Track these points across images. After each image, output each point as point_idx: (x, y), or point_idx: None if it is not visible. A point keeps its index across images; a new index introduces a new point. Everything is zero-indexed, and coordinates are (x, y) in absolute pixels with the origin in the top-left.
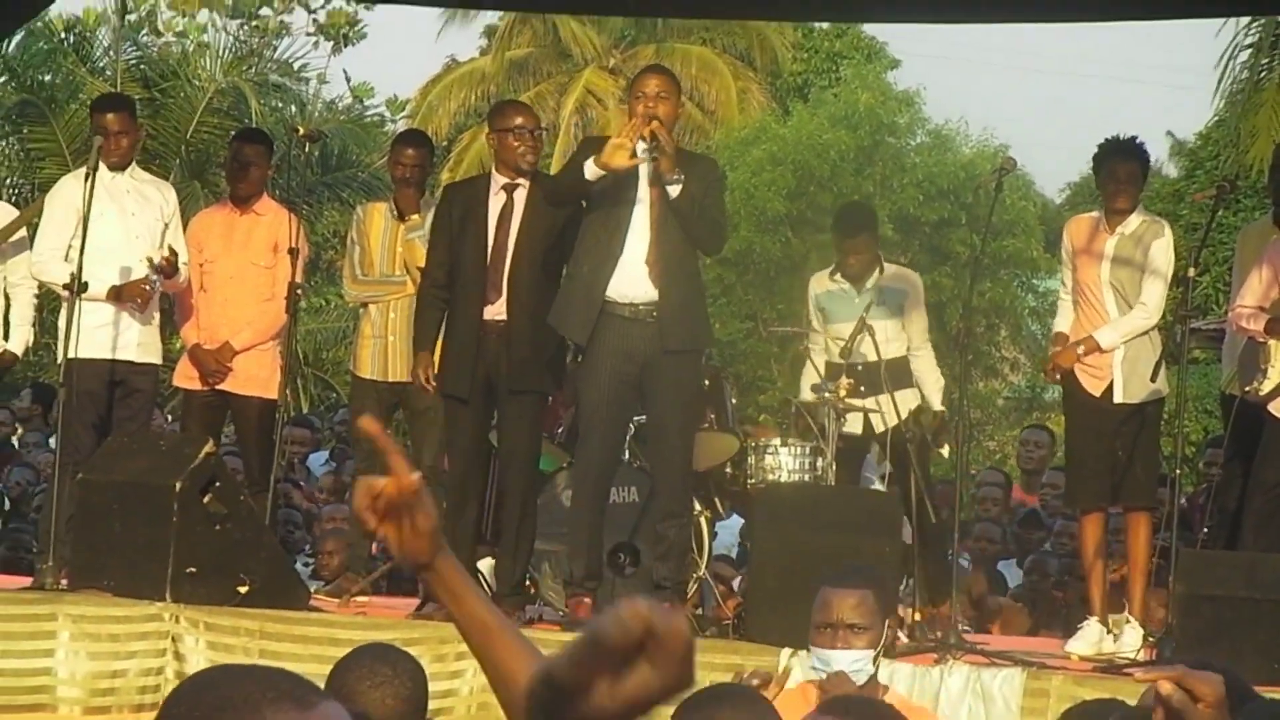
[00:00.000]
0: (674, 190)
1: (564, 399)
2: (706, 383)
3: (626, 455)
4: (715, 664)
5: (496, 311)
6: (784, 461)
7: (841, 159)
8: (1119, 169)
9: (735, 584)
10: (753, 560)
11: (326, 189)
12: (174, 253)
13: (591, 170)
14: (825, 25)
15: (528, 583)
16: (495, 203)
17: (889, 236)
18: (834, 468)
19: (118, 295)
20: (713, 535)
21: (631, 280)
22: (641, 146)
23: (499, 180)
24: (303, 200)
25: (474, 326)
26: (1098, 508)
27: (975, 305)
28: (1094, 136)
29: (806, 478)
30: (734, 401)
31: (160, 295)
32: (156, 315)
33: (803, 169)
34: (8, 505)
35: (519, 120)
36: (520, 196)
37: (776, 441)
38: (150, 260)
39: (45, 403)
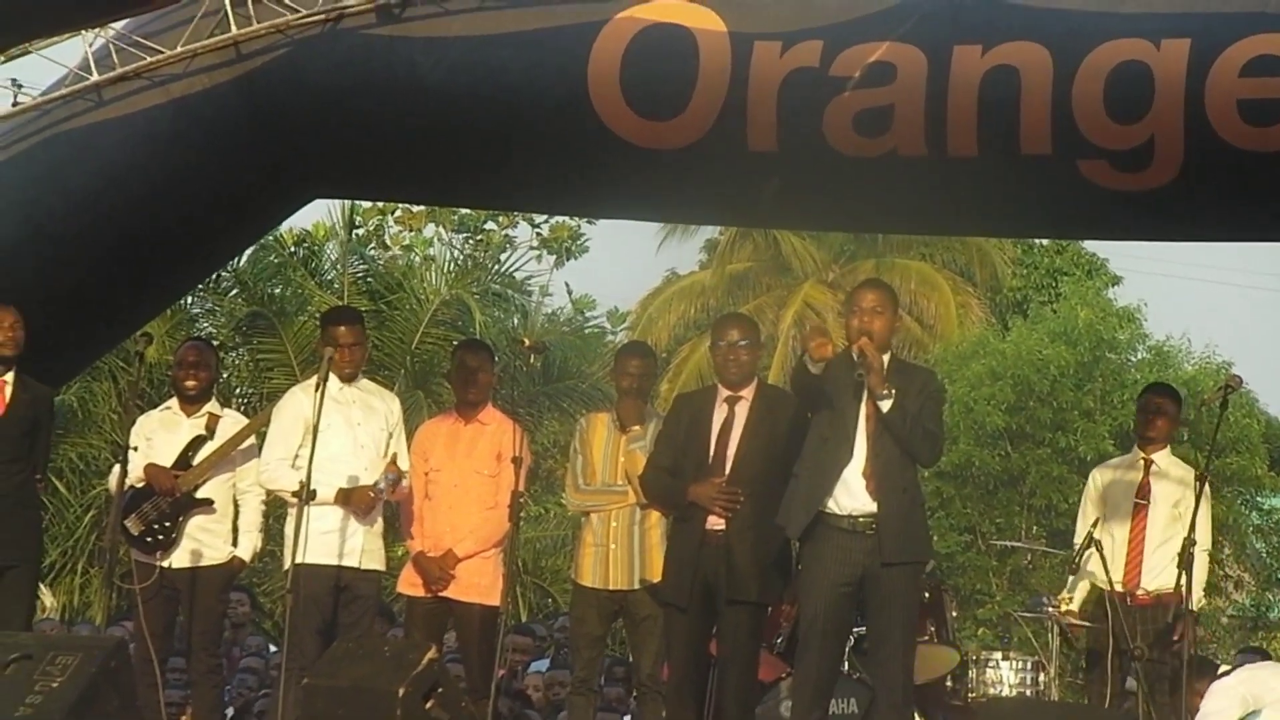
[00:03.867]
0: (885, 405)
1: (783, 609)
2: (926, 595)
3: (846, 667)
4: None
5: (716, 521)
6: (1005, 675)
7: (1061, 374)
8: None
9: None
10: None
11: (547, 399)
12: (398, 470)
13: (813, 364)
14: (1045, 242)
15: None
16: (718, 415)
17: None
18: (1057, 682)
19: (345, 500)
20: None
21: (849, 492)
22: (855, 361)
23: (723, 393)
24: (525, 410)
25: (695, 535)
26: None
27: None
28: None
29: (1028, 692)
30: (954, 614)
31: (385, 503)
32: (380, 522)
33: (1022, 384)
34: (231, 712)
35: (733, 335)
36: (741, 410)
37: (998, 655)
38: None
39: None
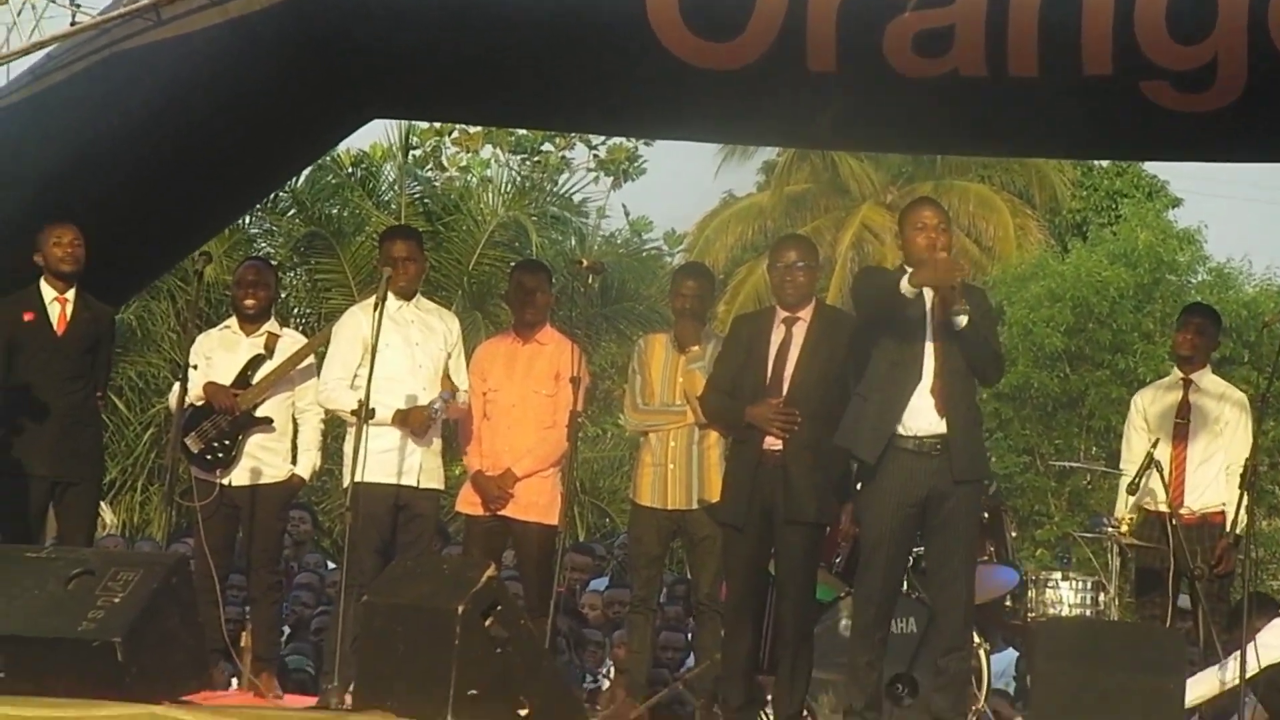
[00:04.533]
0: (961, 321)
1: (841, 529)
2: (986, 516)
3: (904, 586)
4: None
5: (774, 442)
6: (1065, 595)
7: (1121, 296)
8: None
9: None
10: (1034, 695)
11: (605, 320)
12: (455, 388)
13: (908, 289)
14: (1105, 164)
15: (805, 712)
16: (776, 336)
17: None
18: (1117, 602)
19: (403, 421)
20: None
21: (916, 412)
22: (904, 286)
23: (780, 314)
24: (582, 331)
25: (752, 456)
26: None
27: (1259, 444)
28: None
29: (1088, 612)
30: (1013, 535)
31: (443, 422)
32: (438, 441)
33: (1081, 306)
34: (286, 630)
35: (790, 256)
36: (799, 331)
37: (1057, 575)
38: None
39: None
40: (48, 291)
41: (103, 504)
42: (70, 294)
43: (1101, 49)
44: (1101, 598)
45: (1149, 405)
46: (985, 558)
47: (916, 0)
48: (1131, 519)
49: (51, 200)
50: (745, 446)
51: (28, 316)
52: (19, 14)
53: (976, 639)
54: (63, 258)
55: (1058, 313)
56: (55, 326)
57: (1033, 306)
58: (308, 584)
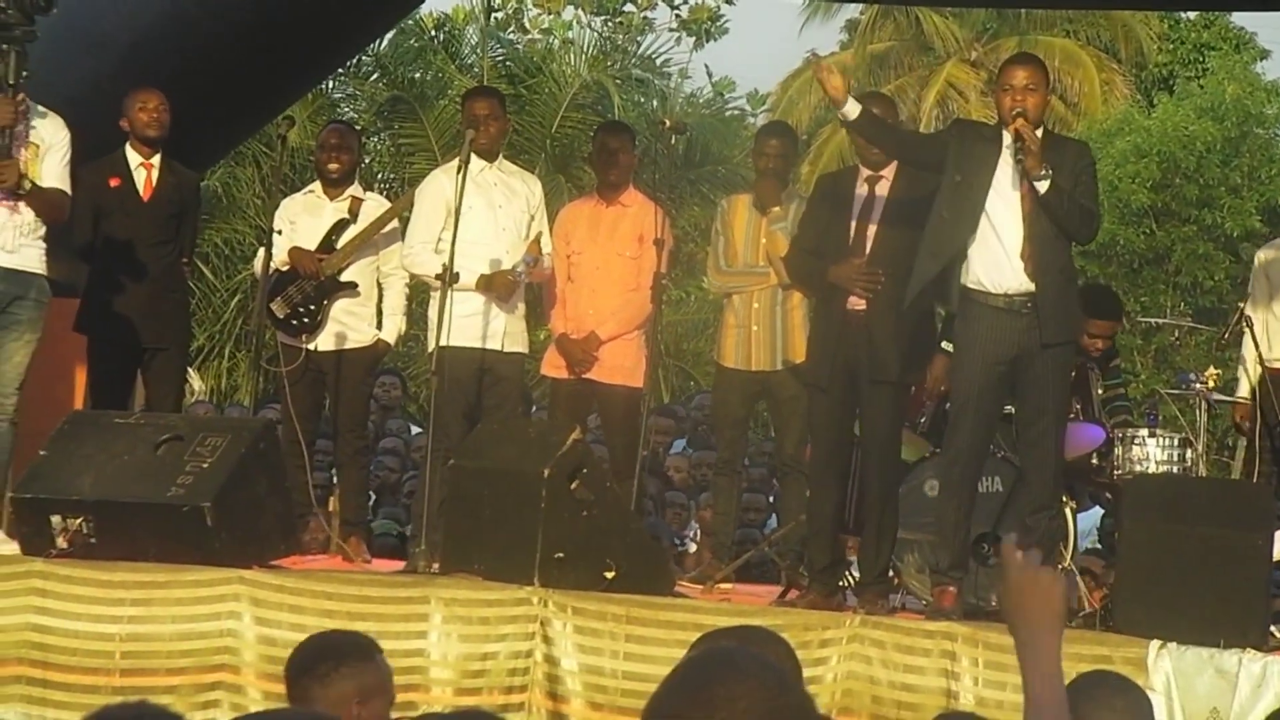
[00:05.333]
0: (1042, 186)
1: (926, 389)
2: (1073, 374)
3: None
4: (1082, 655)
5: (857, 302)
6: (1152, 453)
7: (1208, 150)
8: None
9: (1099, 576)
10: (1121, 552)
11: (688, 183)
12: (539, 251)
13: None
14: (1191, 16)
15: (890, 572)
16: (859, 195)
17: (1257, 229)
18: (1204, 459)
19: (486, 286)
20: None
21: (1005, 271)
22: (1007, 142)
23: (863, 173)
24: (665, 193)
25: (836, 316)
26: None
27: None
28: None
29: (1175, 470)
30: (1099, 393)
31: (526, 285)
32: (522, 305)
33: (1167, 161)
34: (372, 495)
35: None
36: (882, 189)
37: (1144, 433)
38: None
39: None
40: (133, 157)
41: (190, 370)
42: (156, 159)
43: None
44: (1189, 454)
45: (1267, 261)
46: (1072, 415)
47: None
48: (1218, 375)
49: (136, 65)
50: (829, 306)
51: (114, 182)
52: None
53: (1064, 497)
54: (148, 123)
55: (1143, 168)
56: (141, 192)
57: (1118, 162)
58: (393, 449)
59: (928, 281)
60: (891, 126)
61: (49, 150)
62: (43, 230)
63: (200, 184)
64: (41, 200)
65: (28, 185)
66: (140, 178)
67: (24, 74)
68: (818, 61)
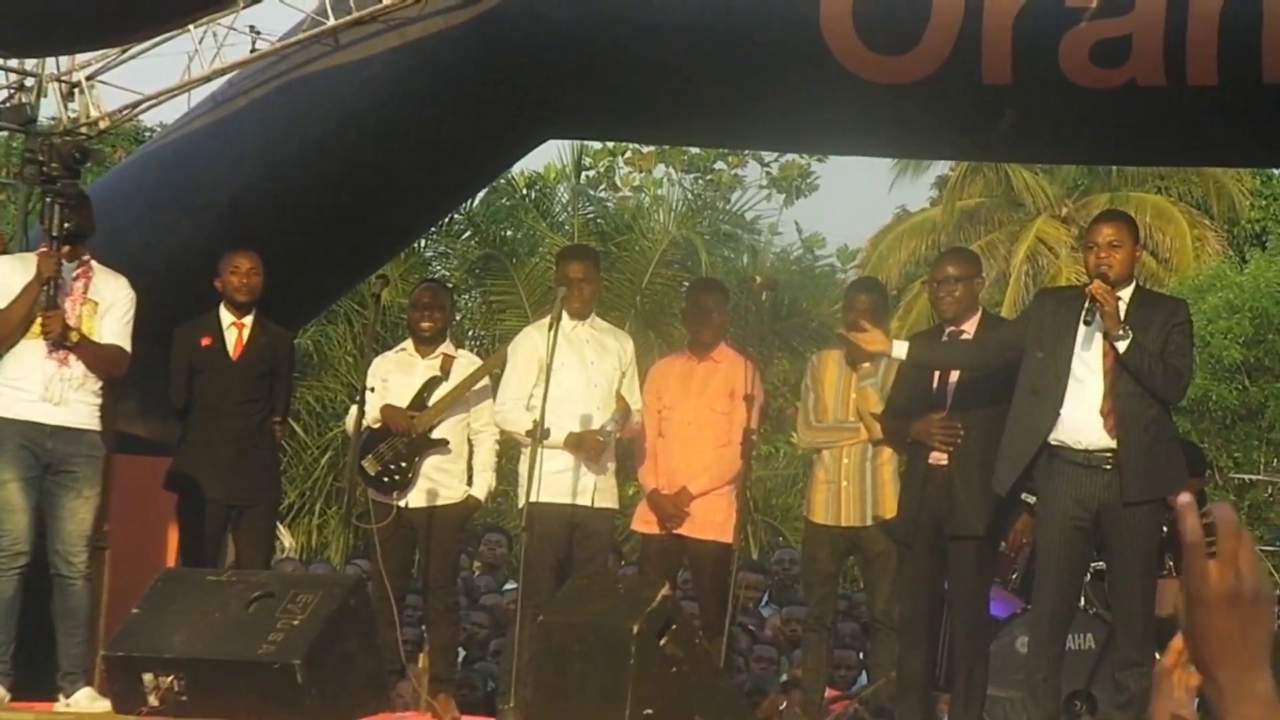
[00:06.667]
0: (1121, 345)
1: (1011, 545)
2: (1164, 530)
3: (1082, 602)
4: None
5: (940, 457)
6: None
7: None
8: None
9: None
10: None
11: (777, 337)
12: (626, 407)
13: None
14: None
15: None
16: None
17: None
18: None
19: (575, 445)
20: None
21: (1087, 428)
22: (1085, 308)
23: (946, 330)
24: (755, 348)
25: (919, 472)
26: None
27: None
28: None
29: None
30: None
31: (617, 441)
32: (612, 464)
33: (1260, 316)
34: (463, 652)
35: (947, 270)
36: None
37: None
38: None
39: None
40: (226, 316)
41: (281, 527)
42: (248, 319)
43: None
44: None
45: None
46: (1165, 571)
47: (1094, 10)
48: None
49: (233, 224)
50: (914, 462)
51: (205, 341)
52: (200, 42)
53: (1157, 655)
54: (239, 287)
55: (1236, 324)
56: (231, 351)
57: (1210, 318)
58: (486, 605)
59: (1023, 465)
60: (950, 345)
61: (109, 308)
62: (96, 385)
63: (294, 342)
64: (93, 354)
65: (74, 337)
66: (231, 337)
67: (66, 226)
68: (846, 332)
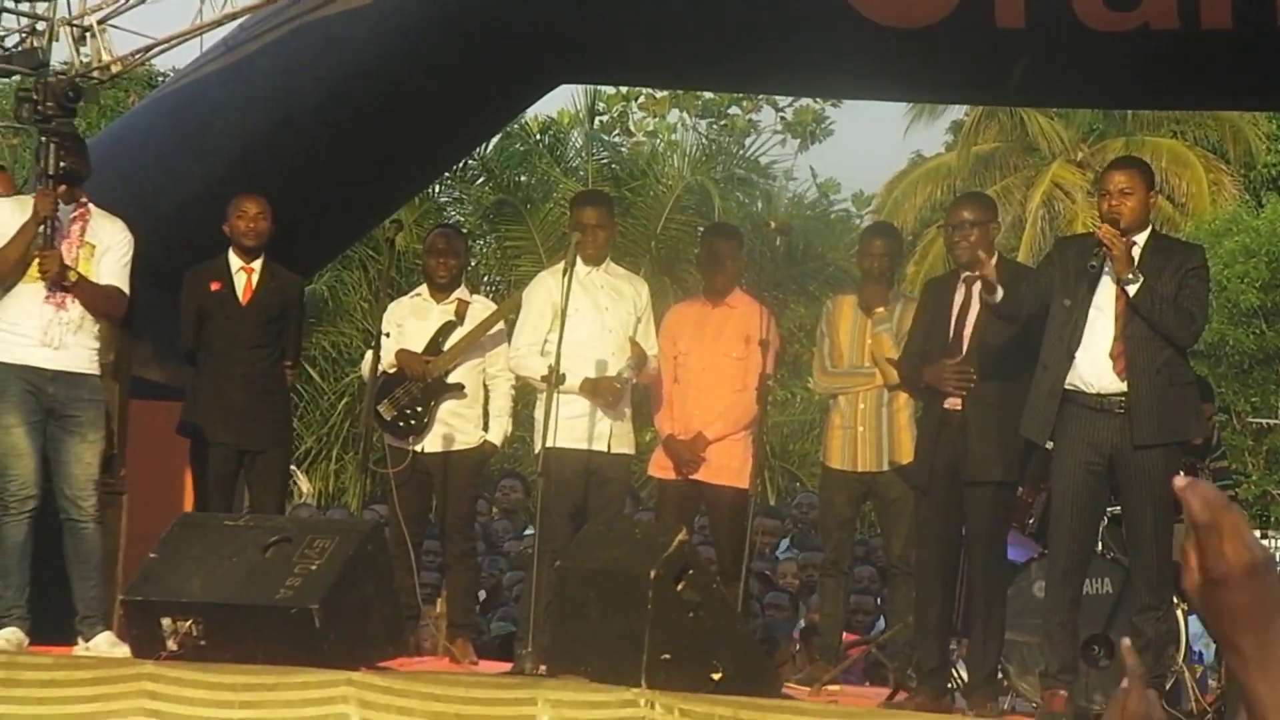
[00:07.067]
0: (1131, 289)
1: (1030, 488)
2: (1181, 473)
3: (1100, 546)
4: None
5: (955, 402)
6: None
7: None
8: None
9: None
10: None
11: (793, 283)
12: (642, 353)
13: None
14: None
15: (999, 674)
16: (958, 296)
17: None
18: None
19: (591, 391)
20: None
21: (1099, 371)
22: (1093, 252)
23: (962, 274)
24: (770, 293)
25: (935, 417)
26: None
27: None
28: None
29: None
30: None
31: (633, 387)
32: (628, 410)
33: (1276, 260)
34: (483, 595)
35: (964, 214)
36: (978, 289)
37: (1256, 533)
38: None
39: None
40: (234, 261)
41: (298, 472)
42: (257, 264)
43: None
44: None
45: None
46: (1180, 516)
47: None
48: None
49: (245, 169)
50: (929, 408)
51: (214, 286)
52: None
53: (1175, 599)
54: (245, 231)
55: (1252, 268)
56: (240, 296)
57: (1227, 263)
58: (504, 550)
59: (1054, 411)
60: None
61: (106, 251)
62: (94, 329)
63: (304, 287)
64: (90, 294)
65: (73, 277)
66: (240, 282)
67: (62, 165)
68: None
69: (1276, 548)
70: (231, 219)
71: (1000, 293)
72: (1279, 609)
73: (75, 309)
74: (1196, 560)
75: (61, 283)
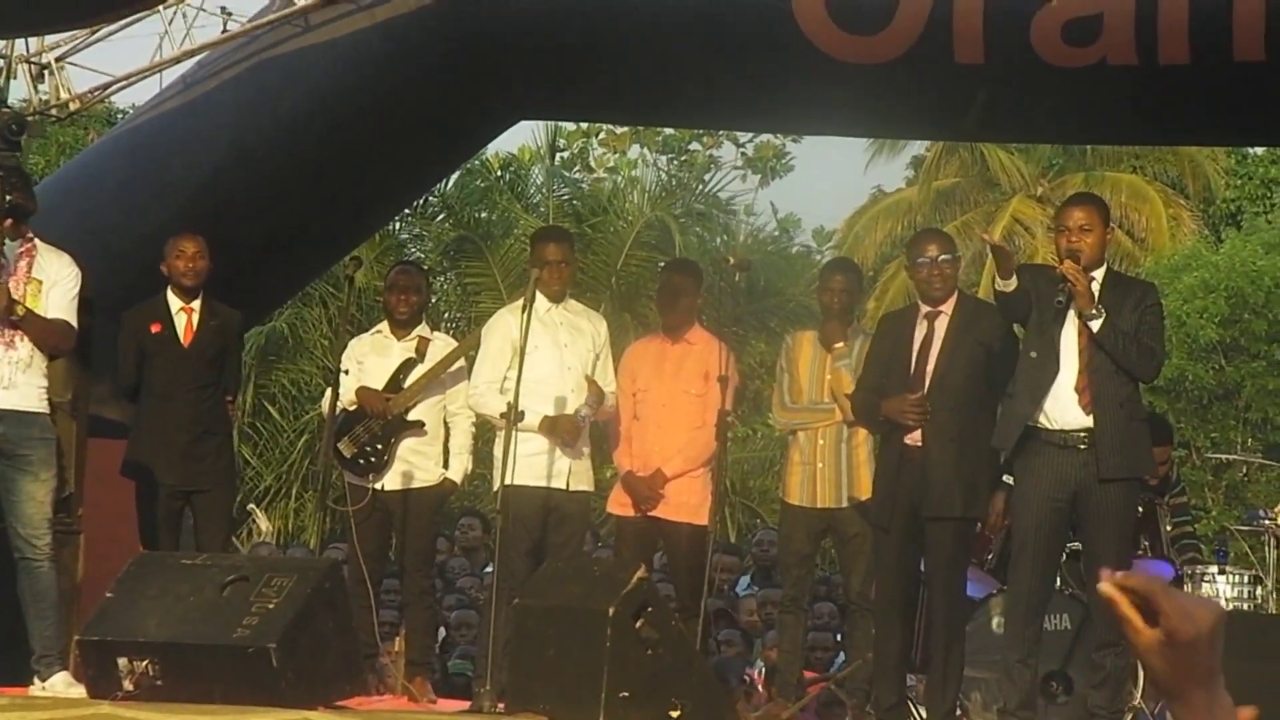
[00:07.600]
0: (1095, 325)
1: (990, 526)
2: (1140, 510)
3: (1058, 582)
4: None
5: (915, 437)
6: (1221, 590)
7: (1276, 285)
8: None
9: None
10: None
11: (753, 318)
12: (600, 391)
13: (1001, 282)
14: (1259, 151)
15: (958, 710)
16: (919, 331)
17: None
18: (1275, 596)
19: (550, 429)
20: None
21: (1062, 406)
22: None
23: (923, 309)
24: (730, 329)
25: (895, 452)
26: None
27: None
28: None
29: (1245, 606)
30: (1168, 530)
31: (592, 424)
32: (587, 448)
33: (1235, 296)
34: (444, 633)
35: (932, 250)
36: (941, 324)
37: (1214, 570)
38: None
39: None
40: (174, 302)
41: (258, 510)
42: (196, 304)
43: (1253, 35)
44: (1259, 591)
45: None
46: (1140, 552)
47: None
48: None
49: (204, 206)
50: (889, 443)
51: (155, 328)
52: (170, 23)
53: None
54: (184, 271)
55: (1212, 304)
56: (181, 337)
57: (1186, 298)
58: (462, 588)
59: (1025, 424)
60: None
61: (54, 285)
62: (43, 366)
63: (242, 321)
64: (39, 328)
65: (20, 311)
66: (180, 323)
67: (9, 199)
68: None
69: (1233, 582)
70: (170, 259)
71: (1015, 281)
72: (1220, 661)
73: (24, 347)
74: (1164, 621)
75: (10, 318)
